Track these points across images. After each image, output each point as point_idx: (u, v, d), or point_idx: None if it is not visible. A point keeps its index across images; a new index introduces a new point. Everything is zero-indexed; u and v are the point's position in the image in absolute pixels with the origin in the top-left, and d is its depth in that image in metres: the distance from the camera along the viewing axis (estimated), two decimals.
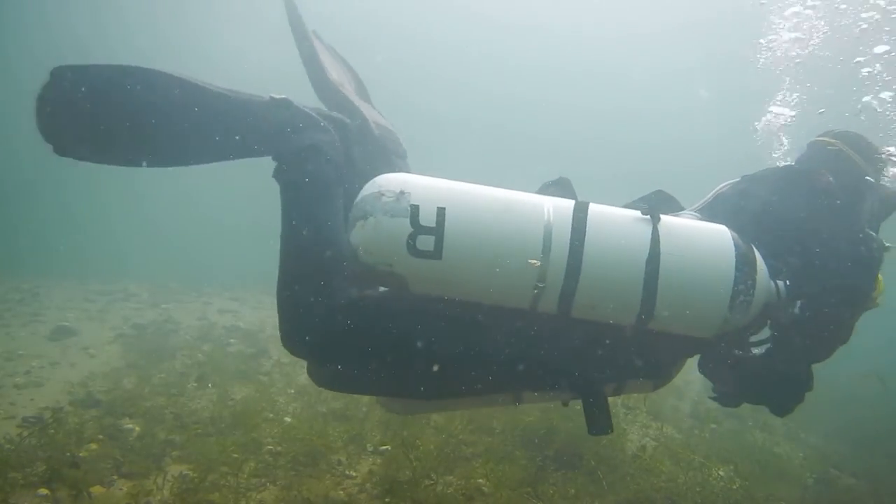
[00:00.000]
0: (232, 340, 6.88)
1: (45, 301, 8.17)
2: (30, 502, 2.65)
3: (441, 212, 1.59)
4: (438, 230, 1.58)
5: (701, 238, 1.74)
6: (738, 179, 2.20)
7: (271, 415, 4.15)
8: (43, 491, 2.73)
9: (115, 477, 3.01)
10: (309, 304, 1.69)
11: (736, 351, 1.99)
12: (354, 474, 3.31)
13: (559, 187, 1.86)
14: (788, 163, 2.36)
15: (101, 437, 3.47)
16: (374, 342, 1.75)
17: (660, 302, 1.67)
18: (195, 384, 4.91)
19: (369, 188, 1.66)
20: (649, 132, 29.06)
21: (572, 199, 1.78)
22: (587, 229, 1.65)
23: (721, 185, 2.19)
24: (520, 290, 1.65)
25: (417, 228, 1.58)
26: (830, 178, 2.03)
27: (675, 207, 1.92)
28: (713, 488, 3.54)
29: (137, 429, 3.68)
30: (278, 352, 6.48)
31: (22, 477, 2.79)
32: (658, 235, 1.69)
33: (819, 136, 2.30)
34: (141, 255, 15.80)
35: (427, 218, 1.58)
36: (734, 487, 3.63)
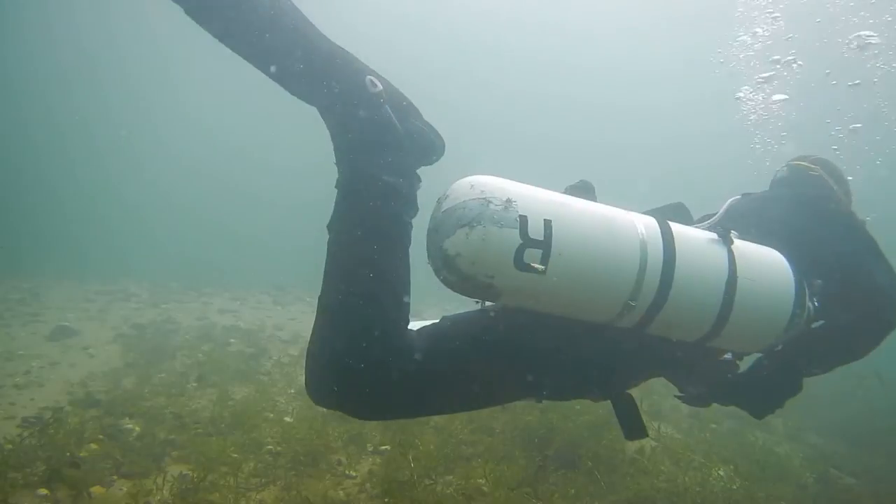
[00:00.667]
0: (232, 340, 6.89)
1: (45, 301, 8.18)
2: (30, 502, 2.65)
3: (548, 224, 1.52)
4: (546, 244, 1.51)
5: (765, 262, 1.81)
6: (739, 196, 2.23)
7: (271, 415, 4.15)
8: (43, 491, 2.73)
9: (115, 477, 3.01)
10: (365, 353, 1.57)
11: (727, 356, 2.01)
12: (354, 474, 3.31)
13: (582, 191, 1.82)
14: (784, 179, 2.41)
15: (101, 437, 3.47)
16: (436, 381, 1.67)
17: (730, 323, 1.72)
18: (195, 384, 4.91)
19: (468, 192, 1.52)
20: (648, 132, 29.07)
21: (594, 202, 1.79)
22: (675, 249, 1.67)
23: (727, 203, 2.19)
24: (611, 306, 1.64)
25: (526, 241, 1.49)
26: (852, 210, 2.12)
27: (690, 221, 1.93)
28: (713, 488, 3.54)
29: (137, 429, 3.68)
30: (278, 352, 6.48)
31: (22, 477, 2.79)
32: (734, 258, 1.73)
33: (796, 159, 2.38)
34: (141, 255, 15.81)
35: (535, 231, 1.51)
36: (734, 487, 3.63)
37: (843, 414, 6.92)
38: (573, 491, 3.22)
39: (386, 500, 2.96)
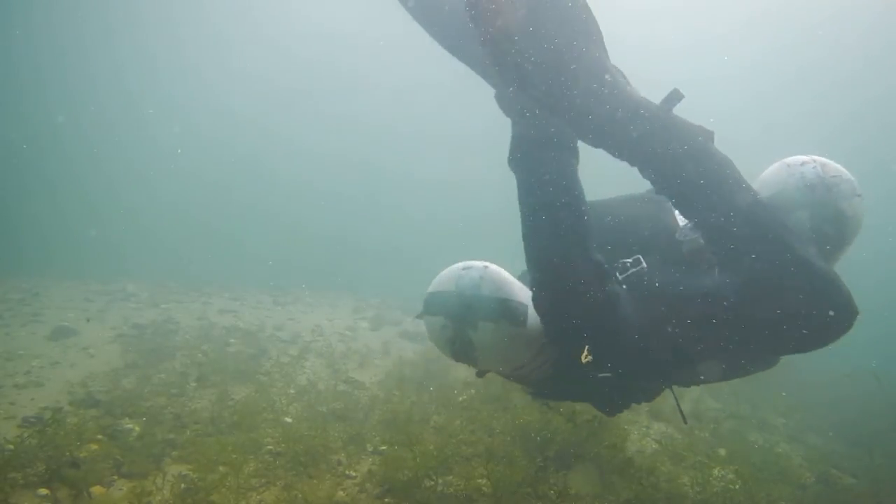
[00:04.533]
0: (232, 340, 6.88)
1: (45, 301, 8.17)
2: (30, 502, 2.66)
3: None
4: None
5: None
6: None
7: (271, 415, 4.15)
8: (43, 491, 2.73)
9: (115, 477, 3.01)
10: None
11: None
12: (354, 474, 3.31)
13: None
14: None
15: (101, 437, 3.47)
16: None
17: None
18: (195, 384, 4.91)
19: (840, 170, 2.07)
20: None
21: None
22: None
23: None
24: None
25: None
26: None
27: None
28: (713, 488, 3.54)
29: (137, 429, 3.68)
30: (278, 352, 6.48)
31: (22, 477, 2.79)
32: None
33: None
34: (141, 255, 15.81)
35: None
36: (734, 487, 3.63)
37: (842, 414, 6.91)
38: (573, 491, 3.22)
39: (386, 500, 2.96)
